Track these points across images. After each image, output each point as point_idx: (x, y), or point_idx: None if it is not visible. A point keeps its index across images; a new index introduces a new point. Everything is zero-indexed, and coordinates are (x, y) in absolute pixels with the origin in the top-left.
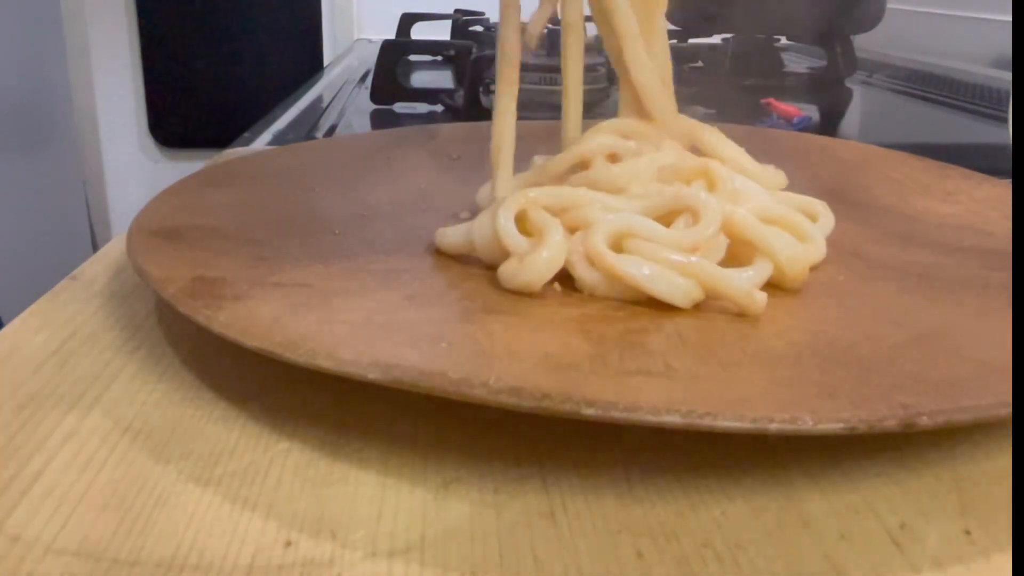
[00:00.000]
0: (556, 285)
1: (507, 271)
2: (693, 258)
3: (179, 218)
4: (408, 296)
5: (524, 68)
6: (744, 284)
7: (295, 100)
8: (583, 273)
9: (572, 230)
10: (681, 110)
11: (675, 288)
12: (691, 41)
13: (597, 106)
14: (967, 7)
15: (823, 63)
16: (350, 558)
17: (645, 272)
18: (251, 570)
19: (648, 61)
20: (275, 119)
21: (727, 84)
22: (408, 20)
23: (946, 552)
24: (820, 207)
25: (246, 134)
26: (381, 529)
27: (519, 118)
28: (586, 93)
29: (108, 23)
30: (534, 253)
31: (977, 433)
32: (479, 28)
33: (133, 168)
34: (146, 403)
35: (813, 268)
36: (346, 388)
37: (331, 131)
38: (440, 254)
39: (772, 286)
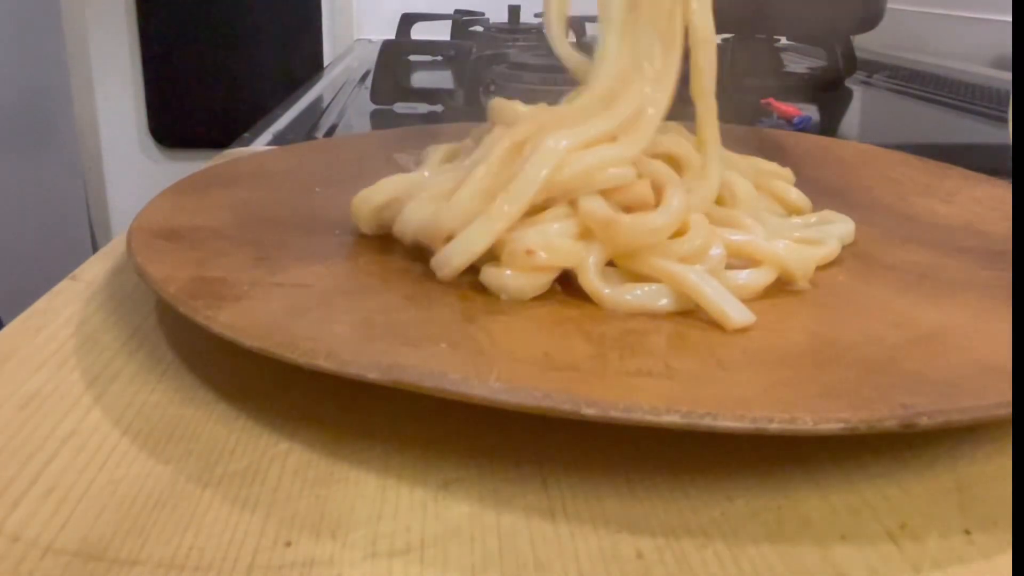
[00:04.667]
0: (556, 285)
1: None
2: (677, 266)
3: (179, 218)
4: (408, 296)
5: (524, 68)
6: (720, 301)
7: (295, 100)
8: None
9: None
10: (682, 110)
11: (666, 305)
12: None
13: None
14: (967, 7)
15: (823, 63)
16: (350, 558)
17: (629, 298)
18: (251, 570)
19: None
20: (275, 119)
21: (727, 84)
22: (408, 20)
23: (946, 552)
24: (837, 217)
25: (246, 134)
26: (381, 529)
27: None
28: None
29: (108, 24)
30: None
31: (977, 433)
32: (479, 28)
33: (133, 168)
34: (146, 403)
35: (814, 268)
36: (346, 388)
37: (331, 131)
38: None
39: (776, 287)
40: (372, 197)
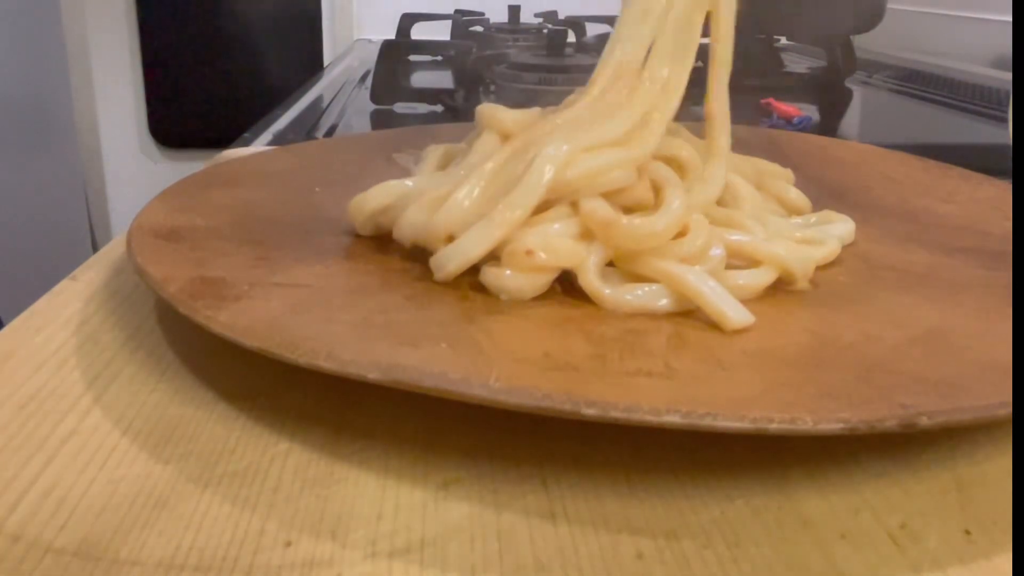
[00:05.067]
0: (556, 285)
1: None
2: (676, 267)
3: (179, 218)
4: (408, 296)
5: (524, 68)
6: (719, 302)
7: (295, 100)
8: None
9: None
10: (682, 110)
11: (665, 306)
12: None
13: None
14: (967, 7)
15: (823, 63)
16: (350, 558)
17: (630, 298)
18: (251, 570)
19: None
20: (275, 119)
21: (727, 84)
22: (408, 20)
23: (946, 552)
24: (837, 217)
25: (246, 134)
26: (381, 529)
27: None
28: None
29: (108, 24)
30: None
31: (977, 433)
32: (479, 28)
33: (133, 168)
34: (146, 403)
35: (815, 268)
36: (346, 388)
37: (331, 131)
38: None
39: (776, 287)
40: (366, 203)
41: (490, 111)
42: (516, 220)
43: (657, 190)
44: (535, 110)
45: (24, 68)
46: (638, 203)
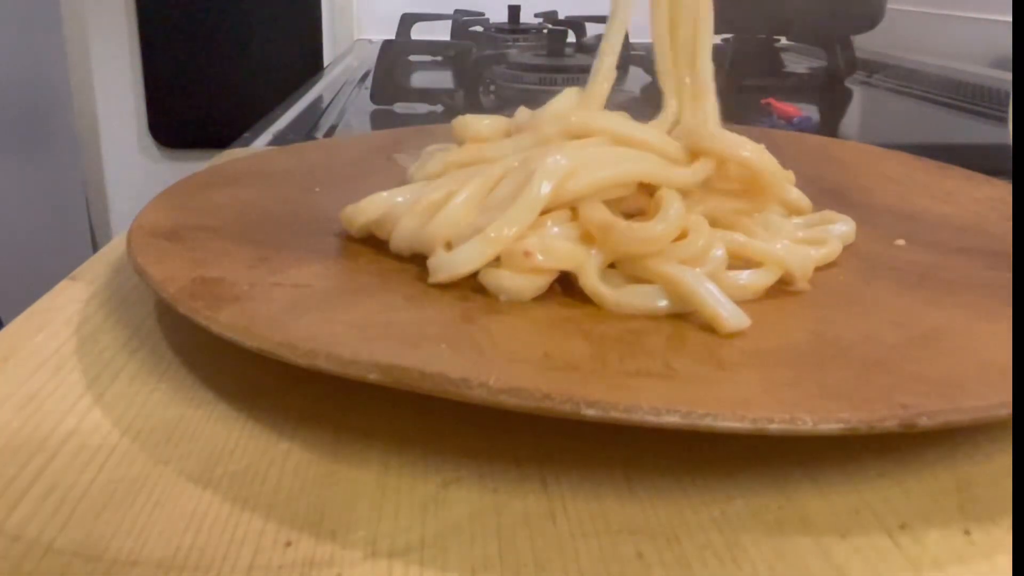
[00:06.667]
0: (556, 285)
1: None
2: (674, 269)
3: (179, 218)
4: (408, 296)
5: (524, 68)
6: (715, 304)
7: (295, 100)
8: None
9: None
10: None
11: (666, 307)
12: None
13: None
14: (967, 7)
15: (823, 63)
16: (350, 558)
17: (630, 299)
18: (251, 570)
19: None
20: (275, 119)
21: (727, 84)
22: (408, 20)
23: (946, 552)
24: (837, 217)
25: (246, 134)
26: (381, 529)
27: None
28: None
29: (108, 23)
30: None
31: (977, 433)
32: (479, 28)
33: (133, 168)
34: (146, 403)
35: (815, 268)
36: (346, 388)
37: (331, 131)
38: None
39: (776, 287)
40: (356, 216)
41: (467, 122)
42: (511, 238)
43: (651, 194)
44: (521, 110)
45: (24, 68)
46: (637, 209)
